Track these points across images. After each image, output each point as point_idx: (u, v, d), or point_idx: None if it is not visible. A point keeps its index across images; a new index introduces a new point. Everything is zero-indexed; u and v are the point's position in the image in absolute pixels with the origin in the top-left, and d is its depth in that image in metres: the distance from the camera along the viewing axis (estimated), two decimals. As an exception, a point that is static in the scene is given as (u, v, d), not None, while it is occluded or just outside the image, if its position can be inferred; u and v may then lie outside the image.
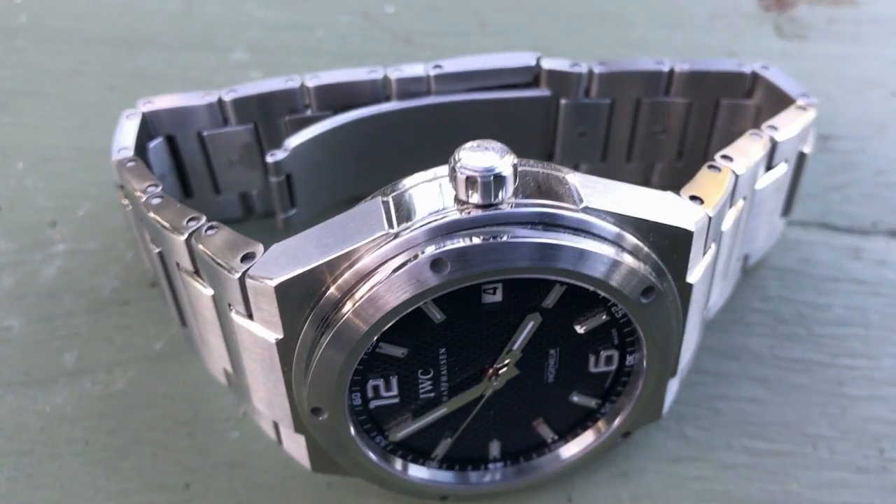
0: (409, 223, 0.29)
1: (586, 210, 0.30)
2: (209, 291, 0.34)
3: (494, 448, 0.37)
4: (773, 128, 0.40)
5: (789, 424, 0.42)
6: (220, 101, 0.44)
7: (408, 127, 0.46)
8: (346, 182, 0.48)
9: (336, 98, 0.45)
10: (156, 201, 0.36)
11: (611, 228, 0.30)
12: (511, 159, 0.29)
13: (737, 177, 0.36)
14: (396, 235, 0.29)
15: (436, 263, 0.28)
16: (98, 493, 0.40)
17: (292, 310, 0.30)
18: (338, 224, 0.30)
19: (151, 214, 0.35)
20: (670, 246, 0.32)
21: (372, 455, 0.34)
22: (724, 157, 0.37)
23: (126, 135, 0.42)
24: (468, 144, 0.29)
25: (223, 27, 0.64)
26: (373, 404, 0.34)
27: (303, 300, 0.30)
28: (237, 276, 0.31)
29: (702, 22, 0.68)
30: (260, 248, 0.31)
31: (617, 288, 0.30)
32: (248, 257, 0.31)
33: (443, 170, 0.31)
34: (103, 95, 0.58)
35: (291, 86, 0.45)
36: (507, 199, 0.29)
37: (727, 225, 0.37)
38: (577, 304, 0.32)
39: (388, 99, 0.46)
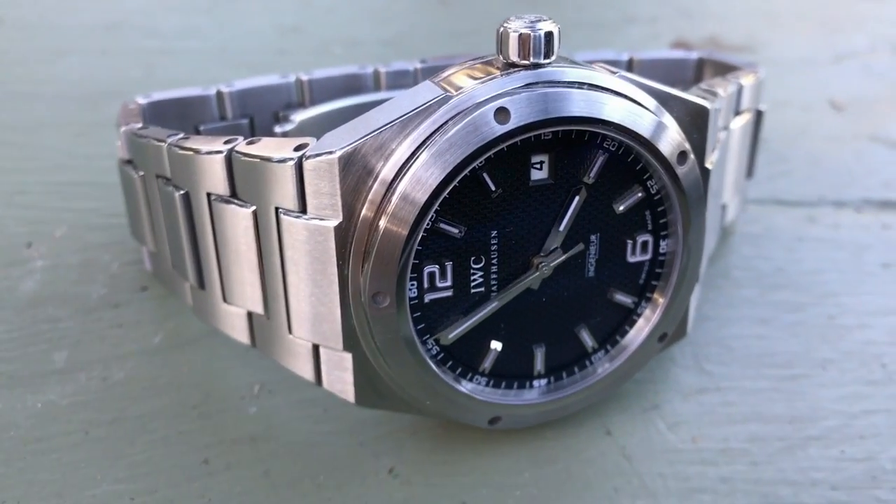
0: (465, 87, 0.31)
1: (622, 77, 0.33)
2: (249, 210, 0.34)
3: (539, 360, 0.36)
4: (736, 76, 0.45)
5: (797, 353, 0.44)
6: (218, 93, 0.45)
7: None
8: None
9: (330, 91, 0.47)
10: (184, 140, 0.36)
11: (646, 95, 0.33)
12: (554, 23, 0.31)
13: (722, 97, 0.40)
14: (455, 97, 0.31)
15: (500, 112, 0.30)
16: (105, 479, 0.36)
17: (352, 188, 0.31)
18: (389, 104, 0.31)
19: (184, 147, 0.35)
20: (691, 123, 0.35)
21: (425, 357, 0.33)
22: (707, 84, 0.41)
23: (130, 116, 0.42)
24: (510, 17, 0.32)
25: (186, 85, 0.66)
26: (427, 297, 0.33)
27: (362, 176, 0.31)
28: (292, 162, 0.31)
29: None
30: (312, 139, 0.32)
31: (658, 148, 0.33)
32: (301, 147, 0.32)
33: (479, 56, 0.33)
34: (72, 140, 0.58)
35: (287, 81, 0.47)
36: (554, 62, 0.32)
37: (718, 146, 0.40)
38: (616, 180, 0.34)
39: (379, 90, 0.48)
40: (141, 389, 0.40)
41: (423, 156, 0.30)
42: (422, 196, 0.30)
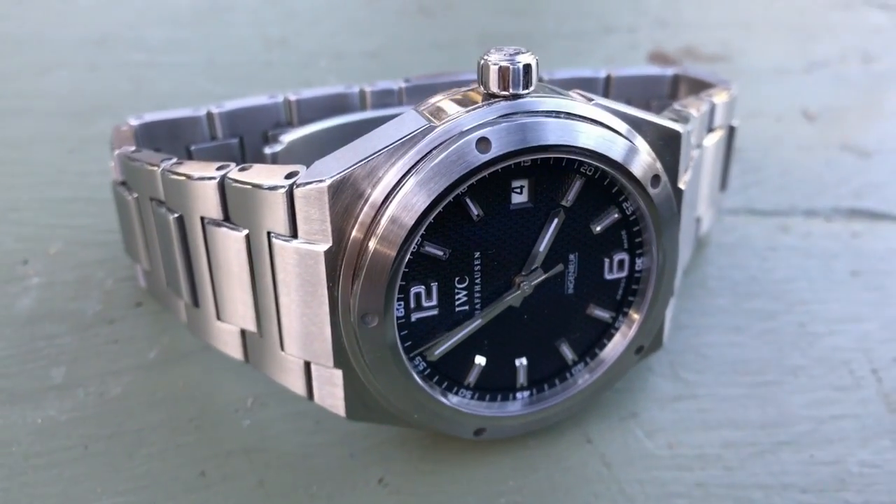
0: (448, 116, 0.32)
1: (597, 105, 0.34)
2: (241, 233, 0.35)
3: (521, 373, 0.38)
4: (709, 94, 0.47)
5: (769, 360, 0.46)
6: (209, 114, 0.47)
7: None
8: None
9: (317, 111, 0.49)
10: (177, 165, 0.37)
11: (620, 122, 0.35)
12: (533, 55, 0.33)
13: (695, 118, 0.42)
14: (438, 126, 0.32)
15: (481, 142, 0.31)
16: (105, 492, 0.37)
17: (341, 215, 0.32)
18: (376, 133, 0.33)
19: (178, 172, 0.37)
20: (664, 146, 0.36)
21: (413, 373, 0.35)
22: (681, 105, 0.43)
23: (123, 139, 0.43)
24: (491, 49, 0.33)
25: (174, 99, 0.67)
26: (414, 316, 0.35)
27: (350, 203, 0.32)
28: (283, 190, 0.32)
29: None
30: (302, 167, 0.33)
31: (632, 172, 0.34)
32: (291, 175, 0.33)
33: (462, 85, 0.35)
34: (63, 156, 0.59)
35: (276, 101, 0.48)
36: (532, 92, 0.33)
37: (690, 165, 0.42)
38: (593, 202, 0.36)
39: (364, 110, 0.50)
40: (138, 404, 0.41)
41: (410, 182, 0.32)
42: (409, 220, 0.32)
